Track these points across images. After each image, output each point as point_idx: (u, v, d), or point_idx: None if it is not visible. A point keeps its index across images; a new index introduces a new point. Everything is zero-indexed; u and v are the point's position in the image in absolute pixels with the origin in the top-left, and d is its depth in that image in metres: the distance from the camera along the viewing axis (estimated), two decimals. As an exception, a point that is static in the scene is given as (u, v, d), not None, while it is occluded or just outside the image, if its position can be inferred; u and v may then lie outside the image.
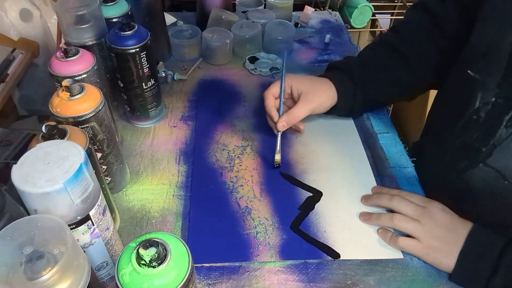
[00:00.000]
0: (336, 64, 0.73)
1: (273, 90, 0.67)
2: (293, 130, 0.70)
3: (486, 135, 0.52)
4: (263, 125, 0.70)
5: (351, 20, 1.35)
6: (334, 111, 0.70)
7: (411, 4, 1.45)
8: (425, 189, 0.63)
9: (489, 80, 0.51)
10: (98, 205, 0.42)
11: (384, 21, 1.56)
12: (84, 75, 0.56)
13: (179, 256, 0.35)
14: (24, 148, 0.96)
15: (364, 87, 0.69)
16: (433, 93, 0.73)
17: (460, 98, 0.56)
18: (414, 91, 0.74)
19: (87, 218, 0.41)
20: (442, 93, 0.69)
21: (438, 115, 0.68)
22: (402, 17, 0.76)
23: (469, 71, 0.54)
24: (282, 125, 0.64)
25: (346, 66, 0.71)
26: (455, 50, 0.61)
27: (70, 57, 0.55)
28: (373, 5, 1.35)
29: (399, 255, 0.54)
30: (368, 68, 0.70)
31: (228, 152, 0.69)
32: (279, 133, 0.65)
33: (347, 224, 0.58)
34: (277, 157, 0.64)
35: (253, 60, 0.90)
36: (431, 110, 0.72)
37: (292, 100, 0.68)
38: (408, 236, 0.54)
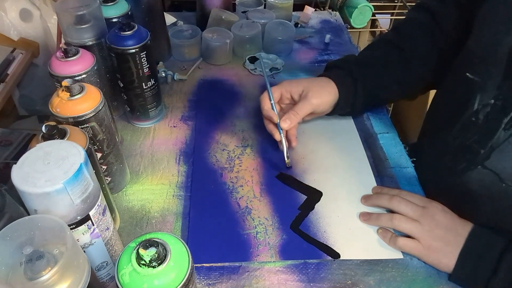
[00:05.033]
0: (334, 63, 0.72)
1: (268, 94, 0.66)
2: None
3: (485, 137, 0.52)
4: (263, 125, 0.70)
5: (351, 20, 1.35)
6: (336, 110, 0.69)
7: (411, 4, 1.45)
8: (424, 191, 0.63)
9: (489, 82, 0.51)
10: (98, 205, 0.42)
11: (384, 21, 1.56)
12: (84, 75, 0.56)
13: (179, 256, 0.35)
14: (24, 148, 0.96)
15: (364, 82, 0.68)
16: (433, 93, 0.73)
17: (459, 100, 0.56)
18: (414, 89, 0.74)
19: (87, 218, 0.41)
20: (439, 95, 0.69)
21: (435, 117, 0.68)
22: (402, 17, 0.76)
23: (467, 74, 0.54)
24: (285, 122, 0.62)
25: (344, 64, 0.70)
26: (454, 50, 0.61)
27: (70, 57, 0.55)
28: (373, 5, 1.35)
29: (399, 255, 0.54)
30: (367, 65, 0.70)
31: (228, 153, 0.69)
32: (282, 136, 0.63)
33: (347, 224, 0.58)
34: (287, 159, 0.64)
35: (253, 60, 0.90)
36: (428, 112, 0.72)
37: (294, 105, 0.67)
38: (408, 236, 0.54)
